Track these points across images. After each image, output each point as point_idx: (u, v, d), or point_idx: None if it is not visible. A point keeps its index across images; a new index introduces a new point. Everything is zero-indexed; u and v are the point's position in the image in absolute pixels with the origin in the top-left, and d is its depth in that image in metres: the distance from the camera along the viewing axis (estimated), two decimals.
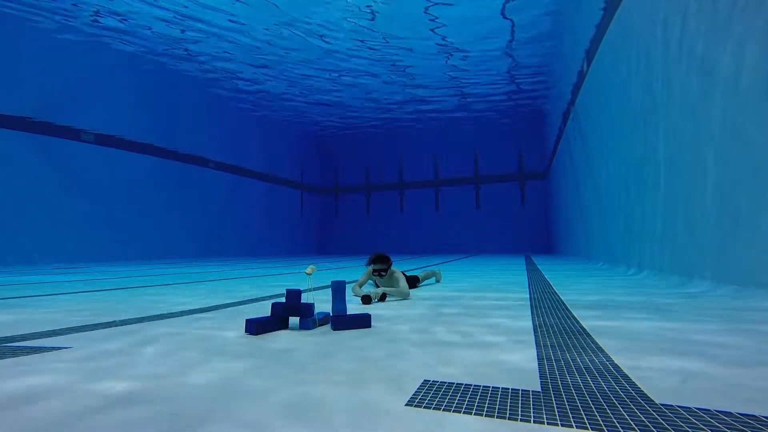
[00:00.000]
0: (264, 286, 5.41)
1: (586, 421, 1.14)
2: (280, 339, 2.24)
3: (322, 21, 12.57)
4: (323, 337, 2.30)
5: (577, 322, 2.62)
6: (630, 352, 1.89)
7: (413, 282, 4.80)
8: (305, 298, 2.69)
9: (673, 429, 1.08)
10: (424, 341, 2.14)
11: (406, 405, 1.26)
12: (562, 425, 1.11)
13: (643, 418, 1.15)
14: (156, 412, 1.22)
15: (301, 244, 24.90)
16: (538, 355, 1.84)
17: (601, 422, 1.13)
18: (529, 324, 2.58)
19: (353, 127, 23.95)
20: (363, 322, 2.52)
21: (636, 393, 1.35)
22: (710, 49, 4.14)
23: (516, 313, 2.98)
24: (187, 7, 11.60)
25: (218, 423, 1.14)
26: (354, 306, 3.37)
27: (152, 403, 1.30)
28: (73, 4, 11.27)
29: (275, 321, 2.48)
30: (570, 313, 2.96)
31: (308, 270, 2.67)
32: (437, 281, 5.63)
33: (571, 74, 11.74)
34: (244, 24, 12.64)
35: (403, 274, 4.20)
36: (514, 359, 1.78)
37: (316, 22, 12.62)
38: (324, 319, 2.63)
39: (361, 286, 4.04)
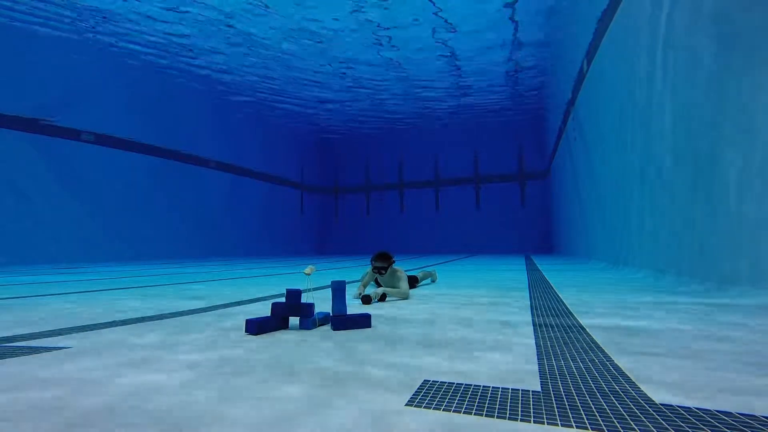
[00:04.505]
0: (264, 286, 5.41)
1: (586, 421, 1.14)
2: (279, 339, 2.25)
3: (325, 22, 12.57)
4: (323, 337, 2.30)
5: (576, 320, 2.62)
6: (625, 347, 1.89)
7: (412, 282, 4.81)
8: (305, 299, 2.69)
9: (673, 429, 1.08)
10: (424, 341, 2.14)
11: (406, 405, 1.26)
12: (562, 425, 1.11)
13: (643, 418, 1.15)
14: (155, 411, 1.22)
15: (301, 244, 24.90)
16: (537, 355, 1.84)
17: (601, 422, 1.13)
18: (529, 324, 2.58)
19: (353, 127, 23.94)
20: (363, 322, 2.52)
21: (636, 393, 1.35)
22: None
23: (515, 312, 2.98)
24: (188, 11, 11.61)
25: (209, 426, 1.14)
26: (354, 306, 3.37)
27: (152, 402, 1.30)
28: (76, 8, 11.27)
29: (275, 321, 2.48)
30: (569, 311, 2.96)
31: (307, 270, 2.67)
32: (433, 281, 5.65)
33: (571, 73, 11.74)
34: (245, 24, 12.64)
35: (405, 274, 4.20)
36: (513, 359, 1.78)
37: (319, 22, 12.61)
38: (324, 319, 2.63)
39: (363, 287, 4.04)
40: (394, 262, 4.18)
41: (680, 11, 4.74)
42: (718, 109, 4.03)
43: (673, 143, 5.09)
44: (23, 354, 1.94)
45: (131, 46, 13.61)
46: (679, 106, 4.89)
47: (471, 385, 1.45)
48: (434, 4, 11.75)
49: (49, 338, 2.29)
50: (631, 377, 1.52)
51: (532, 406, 1.24)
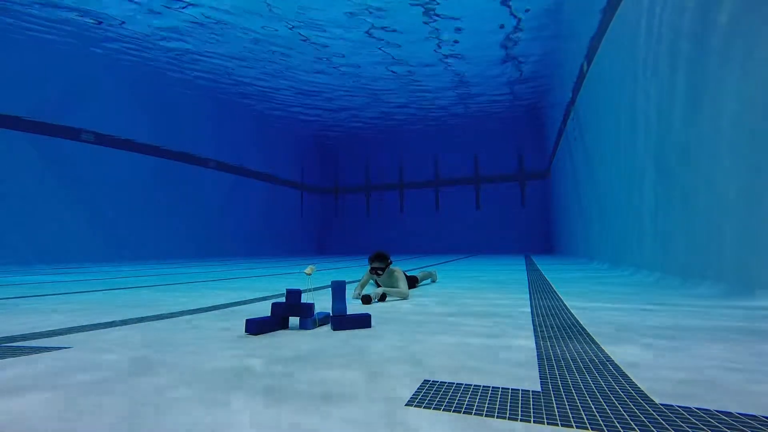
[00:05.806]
0: (264, 285, 5.41)
1: (586, 421, 1.14)
2: (280, 339, 2.25)
3: (324, 21, 12.57)
4: (323, 337, 2.30)
5: (577, 320, 2.62)
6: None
7: (412, 282, 4.80)
8: (305, 299, 2.69)
9: (673, 429, 1.08)
10: (424, 341, 2.14)
11: (406, 405, 1.26)
12: (562, 425, 1.11)
13: (643, 418, 1.15)
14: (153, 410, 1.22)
15: (301, 244, 24.89)
16: (537, 355, 1.84)
17: (601, 422, 1.13)
18: (528, 323, 2.58)
19: (353, 127, 23.94)
20: (363, 322, 2.52)
21: (636, 393, 1.35)
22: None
23: (515, 312, 2.98)
24: (189, 14, 11.61)
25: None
26: (354, 306, 3.37)
27: (149, 402, 1.30)
28: (77, 14, 11.27)
29: (275, 321, 2.48)
30: (569, 311, 2.96)
31: (307, 270, 2.67)
32: (433, 281, 5.65)
33: (571, 73, 11.74)
34: (245, 24, 12.64)
35: (405, 273, 4.20)
36: (513, 359, 1.78)
37: (318, 22, 12.61)
38: (324, 319, 2.63)
39: (362, 287, 4.04)
40: (391, 262, 4.17)
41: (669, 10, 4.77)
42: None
43: (668, 145, 5.10)
44: (23, 354, 1.94)
45: (133, 48, 13.61)
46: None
47: (471, 385, 1.45)
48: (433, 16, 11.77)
49: (49, 338, 2.29)
50: (632, 377, 1.51)
51: (532, 406, 1.24)
